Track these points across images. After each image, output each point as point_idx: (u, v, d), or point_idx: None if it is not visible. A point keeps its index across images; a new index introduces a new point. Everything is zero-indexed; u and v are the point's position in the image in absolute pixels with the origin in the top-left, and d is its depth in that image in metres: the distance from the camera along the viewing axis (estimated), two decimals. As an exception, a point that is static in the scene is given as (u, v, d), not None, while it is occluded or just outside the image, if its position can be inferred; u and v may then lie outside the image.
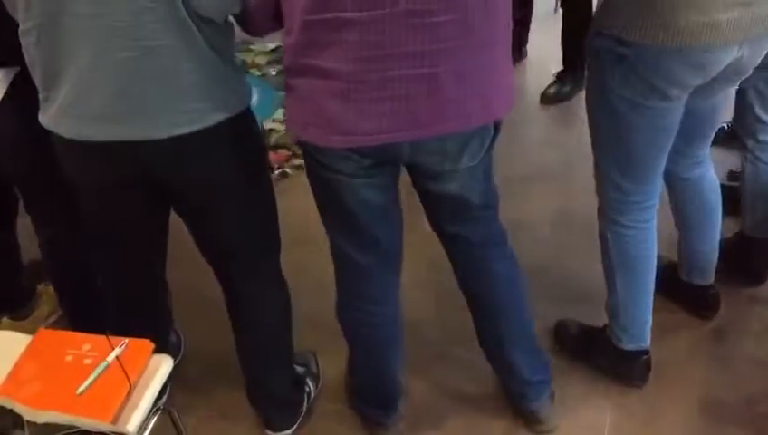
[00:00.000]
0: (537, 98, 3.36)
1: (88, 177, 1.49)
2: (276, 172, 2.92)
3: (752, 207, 2.12)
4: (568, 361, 2.00)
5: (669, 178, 1.84)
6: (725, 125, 2.45)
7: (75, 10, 1.24)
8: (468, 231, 1.59)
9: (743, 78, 1.61)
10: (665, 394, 1.91)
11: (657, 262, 1.82)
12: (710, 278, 2.05)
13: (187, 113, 1.35)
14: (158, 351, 1.35)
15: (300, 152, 2.92)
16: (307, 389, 1.93)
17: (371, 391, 1.83)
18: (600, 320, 1.93)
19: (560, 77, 3.36)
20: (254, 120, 1.54)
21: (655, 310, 1.86)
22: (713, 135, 1.84)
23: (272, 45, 3.78)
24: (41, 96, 1.40)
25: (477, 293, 1.69)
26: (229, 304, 1.73)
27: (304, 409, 1.90)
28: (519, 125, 3.12)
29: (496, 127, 1.42)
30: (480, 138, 1.40)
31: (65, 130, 1.39)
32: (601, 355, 1.94)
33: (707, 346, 2.03)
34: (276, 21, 1.34)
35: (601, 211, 1.79)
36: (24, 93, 1.49)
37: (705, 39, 1.39)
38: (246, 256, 1.64)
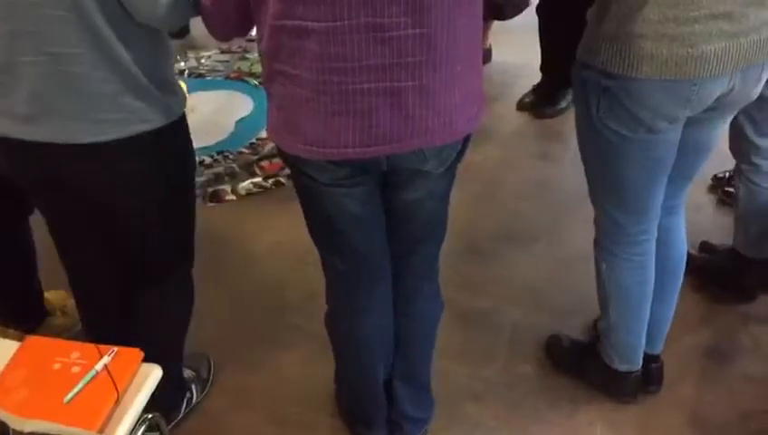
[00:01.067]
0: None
1: (13, 173, 1.50)
2: (270, 181, 2.92)
3: (745, 228, 2.12)
4: (558, 376, 1.99)
5: None
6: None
7: None
8: (413, 256, 1.59)
9: (741, 107, 1.57)
10: (657, 411, 1.90)
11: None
12: (658, 347, 1.90)
13: (97, 123, 1.35)
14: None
15: (294, 162, 2.98)
16: (188, 394, 1.93)
17: (357, 405, 1.82)
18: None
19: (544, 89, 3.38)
20: (183, 136, 1.52)
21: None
22: (691, 181, 1.73)
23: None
24: None
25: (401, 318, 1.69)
26: (129, 308, 1.73)
27: (182, 413, 1.90)
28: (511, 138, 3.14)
29: (465, 141, 1.39)
30: (451, 148, 1.37)
31: None
32: (593, 372, 1.93)
33: (699, 363, 2.03)
34: (237, 28, 1.34)
35: (597, 241, 1.76)
36: None
37: (691, 71, 1.37)
38: (148, 269, 1.66)
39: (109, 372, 1.28)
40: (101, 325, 1.75)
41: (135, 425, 1.27)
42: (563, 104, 3.36)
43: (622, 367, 1.86)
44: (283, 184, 2.91)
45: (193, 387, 1.95)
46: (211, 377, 2.03)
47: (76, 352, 1.34)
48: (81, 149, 1.36)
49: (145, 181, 1.47)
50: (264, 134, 3.22)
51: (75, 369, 1.30)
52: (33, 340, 1.40)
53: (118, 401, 1.26)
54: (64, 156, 1.38)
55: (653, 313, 1.80)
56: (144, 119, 1.38)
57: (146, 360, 1.67)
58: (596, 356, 1.90)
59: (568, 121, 3.28)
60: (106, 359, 1.31)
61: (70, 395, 1.25)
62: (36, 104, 1.33)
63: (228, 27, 1.34)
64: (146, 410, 1.28)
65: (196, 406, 1.95)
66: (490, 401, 1.94)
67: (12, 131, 1.37)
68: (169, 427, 1.78)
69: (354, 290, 1.60)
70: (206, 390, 2.00)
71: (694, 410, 1.90)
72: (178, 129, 1.48)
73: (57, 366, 1.31)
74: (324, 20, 1.16)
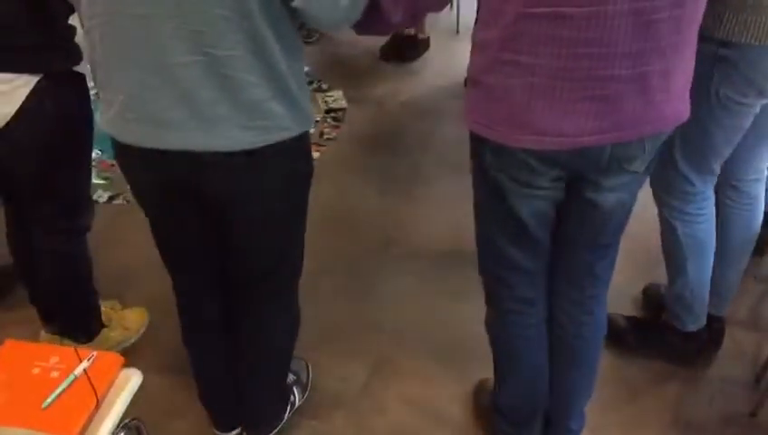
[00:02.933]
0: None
1: (142, 181, 1.46)
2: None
3: None
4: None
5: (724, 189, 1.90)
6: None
7: (137, 11, 1.19)
8: (594, 262, 1.53)
9: None
10: (639, 414, 1.91)
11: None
12: (724, 309, 2.06)
13: (249, 129, 1.29)
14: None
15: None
16: (292, 398, 1.92)
17: (518, 410, 1.74)
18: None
19: None
20: (309, 143, 1.50)
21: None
22: None
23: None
24: (102, 98, 1.35)
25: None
26: (233, 324, 1.69)
27: (285, 418, 1.88)
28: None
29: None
30: (657, 140, 1.35)
31: (124, 135, 1.35)
32: (662, 342, 2.04)
33: (682, 366, 2.04)
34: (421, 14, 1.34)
35: (666, 203, 1.87)
36: (46, 97, 1.56)
37: None
38: (266, 280, 1.62)
39: (88, 376, 1.27)
40: (201, 339, 1.74)
41: (115, 430, 1.26)
42: None
43: (692, 327, 1.98)
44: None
45: (295, 390, 1.94)
46: (309, 381, 2.01)
47: (55, 356, 1.32)
48: (225, 157, 1.31)
49: (281, 189, 1.43)
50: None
51: (54, 374, 1.29)
52: (11, 344, 1.38)
53: (98, 406, 1.25)
54: (205, 163, 1.33)
55: (724, 275, 1.97)
56: (286, 126, 1.34)
57: (259, 376, 1.77)
58: (661, 327, 2.04)
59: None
60: (85, 363, 1.30)
61: (48, 400, 1.23)
62: (182, 108, 1.26)
63: (412, 12, 1.35)
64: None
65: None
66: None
67: (148, 139, 1.32)
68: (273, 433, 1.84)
69: (528, 283, 1.54)
70: (306, 393, 1.98)
71: (676, 413, 1.91)
72: (308, 139, 1.45)
73: (36, 371, 1.30)
74: (586, 5, 1.12)
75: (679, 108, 1.31)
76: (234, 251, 1.56)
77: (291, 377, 1.93)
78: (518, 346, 1.63)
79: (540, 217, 1.42)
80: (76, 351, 1.32)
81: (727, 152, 1.75)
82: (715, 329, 2.05)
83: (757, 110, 1.67)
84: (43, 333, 2.08)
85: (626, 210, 1.46)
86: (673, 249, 1.92)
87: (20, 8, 1.52)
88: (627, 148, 1.29)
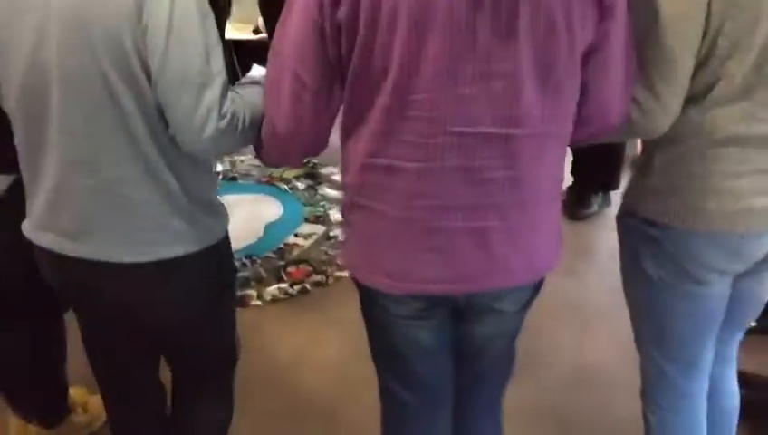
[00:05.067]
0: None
1: (56, 283, 1.53)
2: (295, 288, 2.94)
3: None
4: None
5: None
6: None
7: (49, 138, 1.32)
8: (477, 391, 1.56)
9: None
10: None
11: None
12: None
13: (142, 243, 1.38)
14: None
15: (321, 269, 3.01)
16: None
17: None
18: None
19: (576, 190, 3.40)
20: (225, 254, 1.55)
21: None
22: (743, 330, 1.69)
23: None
24: (26, 203, 1.46)
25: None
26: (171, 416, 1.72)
27: None
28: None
29: (541, 280, 1.39)
30: (528, 287, 1.38)
31: (38, 240, 1.44)
32: None
33: None
34: (303, 156, 1.38)
35: (644, 391, 1.66)
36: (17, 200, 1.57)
37: (739, 226, 1.36)
38: (191, 375, 1.66)
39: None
40: (132, 429, 1.75)
41: None
42: (594, 207, 3.40)
43: None
44: (308, 291, 2.92)
45: None
46: None
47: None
48: (123, 268, 1.39)
49: (186, 299, 1.49)
50: (291, 239, 3.27)
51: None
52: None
53: None
54: (106, 273, 1.41)
55: None
56: (186, 240, 1.41)
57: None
58: None
59: (597, 230, 3.30)
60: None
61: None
62: (83, 222, 1.37)
63: (294, 155, 1.38)
64: None
65: None
66: None
67: (58, 246, 1.41)
68: None
69: (414, 420, 1.55)
70: None
71: None
72: (221, 248, 1.51)
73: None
74: (417, 160, 1.18)
75: (535, 262, 1.31)
76: (160, 352, 1.63)
77: None
78: None
79: (421, 346, 1.43)
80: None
81: (698, 338, 1.53)
82: None
83: (721, 291, 1.47)
84: (13, 419, 2.06)
85: (508, 337, 1.48)
86: None
87: None
88: (483, 295, 1.32)
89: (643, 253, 1.48)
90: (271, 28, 4.23)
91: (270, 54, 1.25)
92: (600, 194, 3.45)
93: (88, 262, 1.40)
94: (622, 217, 1.54)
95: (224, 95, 1.29)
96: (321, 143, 1.32)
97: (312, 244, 3.25)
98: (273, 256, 3.16)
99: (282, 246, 3.23)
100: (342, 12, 1.11)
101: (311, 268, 3.07)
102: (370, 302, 1.40)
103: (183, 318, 1.51)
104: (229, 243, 1.56)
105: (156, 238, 1.38)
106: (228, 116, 1.29)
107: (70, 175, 1.34)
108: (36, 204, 1.42)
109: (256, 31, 4.96)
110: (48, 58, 1.26)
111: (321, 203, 3.59)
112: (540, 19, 1.10)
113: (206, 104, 1.26)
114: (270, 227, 3.39)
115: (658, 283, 1.48)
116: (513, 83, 1.13)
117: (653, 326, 1.57)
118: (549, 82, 1.15)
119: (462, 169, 1.18)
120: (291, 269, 3.06)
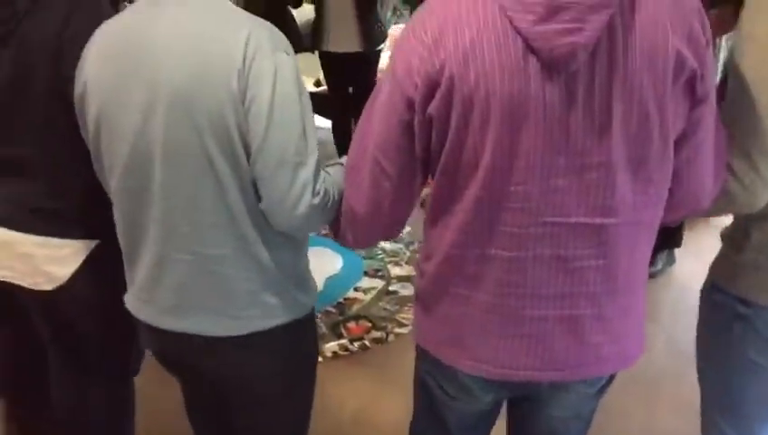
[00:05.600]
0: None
1: (155, 352, 1.57)
2: (355, 345, 2.94)
3: None
4: None
5: None
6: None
7: (151, 214, 1.37)
8: None
9: None
10: None
11: None
12: None
13: (236, 318, 1.41)
14: None
15: (381, 325, 3.01)
16: None
17: None
18: None
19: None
20: (311, 327, 1.57)
21: None
22: None
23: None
24: (126, 275, 1.51)
25: None
26: None
27: None
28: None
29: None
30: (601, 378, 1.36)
31: (138, 313, 1.49)
32: None
33: None
34: (385, 234, 1.38)
35: None
36: (103, 263, 1.63)
37: None
38: None
39: None
40: None
41: None
42: (659, 265, 3.32)
43: None
44: (368, 347, 2.93)
45: None
46: None
47: None
48: (216, 341, 1.43)
49: (274, 373, 1.50)
50: (351, 294, 3.29)
51: None
52: None
53: None
54: (201, 346, 1.44)
55: None
56: (278, 314, 1.43)
57: None
58: None
59: (660, 290, 3.23)
60: None
61: None
62: (181, 297, 1.41)
63: (371, 237, 1.40)
64: None
65: None
66: None
67: (156, 321, 1.46)
68: None
69: None
70: None
71: None
72: (309, 323, 1.53)
73: None
74: (508, 249, 1.18)
75: (626, 350, 1.29)
76: (235, 429, 1.63)
77: None
78: None
79: (469, 424, 1.43)
80: None
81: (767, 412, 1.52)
82: None
83: None
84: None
85: (583, 421, 1.44)
86: None
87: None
88: (569, 382, 1.30)
89: (730, 330, 1.45)
90: (331, 83, 4.33)
91: (353, 140, 1.28)
92: (665, 252, 3.39)
93: (185, 336, 1.43)
94: (709, 292, 1.50)
95: (317, 173, 1.32)
96: (399, 227, 1.34)
97: (372, 299, 3.26)
98: (333, 310, 3.18)
99: (341, 300, 3.25)
100: (434, 107, 1.12)
101: (370, 324, 3.07)
102: (432, 379, 1.40)
103: (269, 391, 1.53)
104: (315, 314, 1.58)
105: (249, 312, 1.41)
106: (321, 194, 1.32)
107: (170, 251, 1.38)
108: (137, 278, 1.46)
109: (317, 84, 5.09)
110: (155, 138, 1.31)
111: (380, 256, 3.62)
112: (633, 113, 1.10)
113: (300, 182, 1.29)
114: (330, 281, 3.41)
115: (742, 361, 1.44)
116: (605, 175, 1.13)
117: (723, 395, 1.54)
118: (641, 171, 1.14)
119: (554, 258, 1.17)
120: (350, 325, 3.07)
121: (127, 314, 1.53)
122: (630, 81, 1.08)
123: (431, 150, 1.18)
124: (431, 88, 1.10)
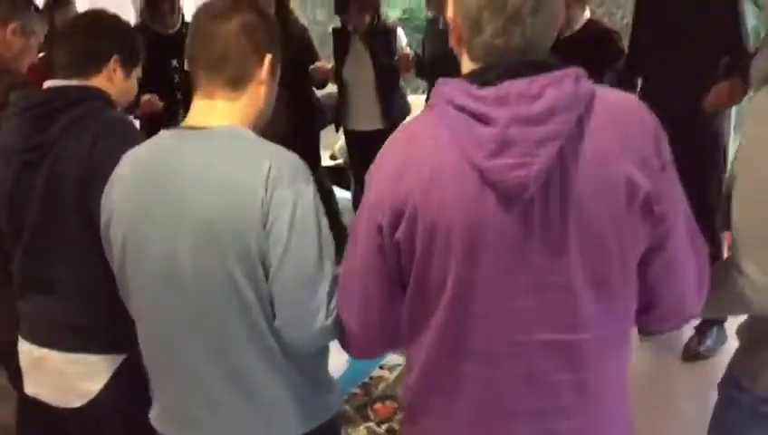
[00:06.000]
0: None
1: None
2: (383, 428, 2.91)
3: None
4: None
5: None
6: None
7: (176, 332, 1.40)
8: None
9: None
10: None
11: None
12: None
13: (264, 426, 1.43)
14: None
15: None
16: None
17: None
18: None
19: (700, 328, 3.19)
20: (336, 425, 1.58)
21: None
22: None
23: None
24: (151, 390, 1.53)
25: None
26: None
27: None
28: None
29: None
30: None
31: (164, 428, 1.51)
32: None
33: None
34: (382, 347, 1.40)
35: None
36: (130, 377, 1.65)
37: None
38: None
39: None
40: None
41: None
42: (708, 343, 3.17)
43: None
44: (395, 431, 2.90)
45: None
46: None
47: None
48: None
49: None
50: (376, 372, 3.27)
51: None
52: None
53: None
54: None
55: None
56: (307, 418, 1.45)
57: None
58: None
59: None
60: None
61: None
62: (212, 413, 1.43)
63: (372, 352, 1.42)
64: None
65: None
66: None
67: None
68: None
69: None
70: None
71: None
72: (336, 420, 1.55)
73: None
74: (482, 367, 1.20)
75: None
76: None
77: None
78: None
79: None
80: None
81: None
82: None
83: None
84: None
85: None
86: None
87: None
88: None
89: (748, 429, 1.42)
90: (355, 159, 4.43)
91: (344, 258, 1.32)
92: (715, 328, 3.19)
93: None
94: (727, 389, 1.48)
95: (331, 295, 1.35)
96: (394, 346, 1.38)
97: (397, 377, 3.24)
98: (359, 391, 3.16)
99: (367, 380, 3.23)
100: (400, 233, 1.18)
101: (396, 405, 3.05)
102: None
103: None
104: (339, 414, 1.60)
105: (277, 420, 1.43)
106: (334, 315, 1.35)
107: (199, 366, 1.40)
108: (165, 396, 1.49)
109: (333, 157, 5.18)
110: (182, 263, 1.35)
111: (404, 331, 3.60)
112: (588, 236, 1.13)
113: (316, 302, 1.34)
114: (353, 360, 3.39)
115: None
116: (566, 295, 1.15)
117: None
118: (604, 289, 1.16)
119: (524, 376, 1.19)
120: (377, 406, 3.05)
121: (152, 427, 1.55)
122: (584, 206, 1.12)
123: (402, 271, 1.22)
124: (396, 217, 1.17)
